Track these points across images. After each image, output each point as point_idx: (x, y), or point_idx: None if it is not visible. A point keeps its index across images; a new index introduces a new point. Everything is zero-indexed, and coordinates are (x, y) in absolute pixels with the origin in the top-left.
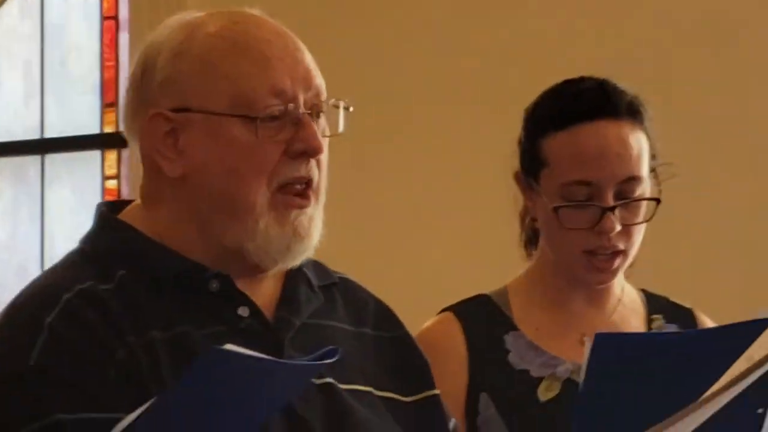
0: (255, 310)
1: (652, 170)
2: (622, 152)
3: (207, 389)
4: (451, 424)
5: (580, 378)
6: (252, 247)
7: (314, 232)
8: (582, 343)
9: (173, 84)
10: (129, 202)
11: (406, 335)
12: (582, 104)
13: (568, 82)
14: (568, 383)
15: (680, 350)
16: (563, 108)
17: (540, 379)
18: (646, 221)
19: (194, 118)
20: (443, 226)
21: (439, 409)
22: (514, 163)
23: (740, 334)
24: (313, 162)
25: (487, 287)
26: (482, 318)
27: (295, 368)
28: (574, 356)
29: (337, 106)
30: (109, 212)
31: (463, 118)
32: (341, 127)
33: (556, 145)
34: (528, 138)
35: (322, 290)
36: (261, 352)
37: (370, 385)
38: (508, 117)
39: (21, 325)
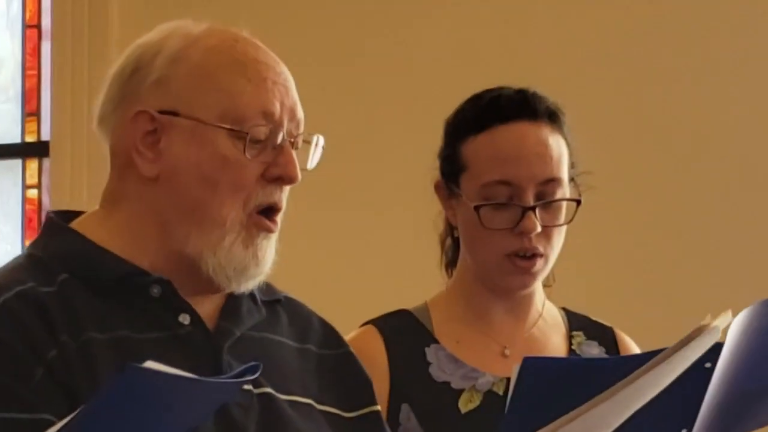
0: (196, 318)
1: (572, 179)
2: (542, 152)
3: (125, 406)
4: None
5: (507, 400)
6: (211, 261)
7: (269, 260)
8: (504, 355)
9: (166, 86)
10: (80, 213)
11: (350, 353)
12: (501, 107)
13: (487, 90)
14: (489, 395)
15: (607, 375)
16: (482, 112)
17: (461, 391)
18: (567, 223)
19: (180, 122)
20: (366, 243)
21: (380, 425)
22: (435, 175)
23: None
24: (285, 190)
25: (409, 305)
26: (403, 331)
27: (216, 386)
28: (496, 369)
29: (309, 142)
30: (58, 219)
31: (384, 132)
32: (312, 164)
33: (475, 147)
34: (448, 145)
35: (266, 306)
36: (200, 359)
37: (310, 398)
38: (427, 129)
39: None
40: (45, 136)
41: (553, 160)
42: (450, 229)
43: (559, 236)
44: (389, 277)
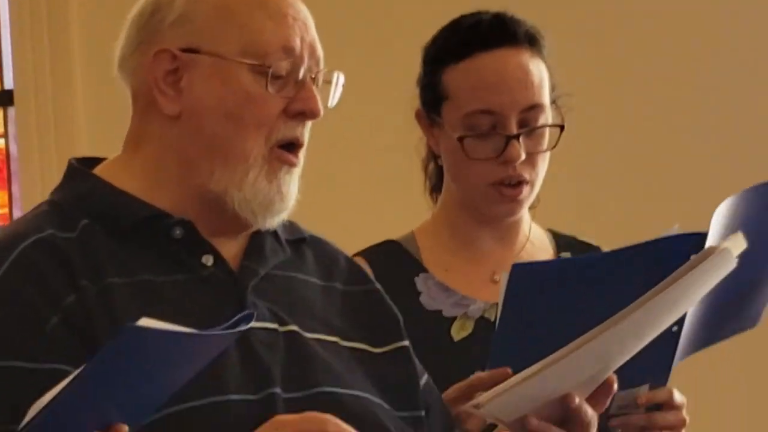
0: (219, 258)
1: (553, 102)
2: (523, 78)
3: (124, 365)
4: (423, 379)
5: (498, 308)
6: (237, 197)
7: (293, 195)
8: (493, 281)
9: (187, 24)
10: (102, 160)
11: (377, 290)
12: (480, 34)
13: (464, 16)
14: (481, 321)
15: (595, 272)
16: (461, 39)
17: (453, 319)
18: (551, 149)
19: (202, 60)
20: (351, 173)
21: (410, 362)
22: (415, 104)
23: (654, 251)
24: (307, 125)
25: (395, 234)
26: (391, 262)
27: (211, 338)
28: (486, 295)
29: (329, 82)
30: (78, 165)
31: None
32: (333, 102)
33: (455, 76)
34: (427, 73)
35: (290, 245)
36: (224, 300)
37: (336, 336)
38: (407, 58)
39: None
40: (8, 84)
41: (534, 86)
42: (432, 154)
43: (544, 162)
44: (375, 206)
